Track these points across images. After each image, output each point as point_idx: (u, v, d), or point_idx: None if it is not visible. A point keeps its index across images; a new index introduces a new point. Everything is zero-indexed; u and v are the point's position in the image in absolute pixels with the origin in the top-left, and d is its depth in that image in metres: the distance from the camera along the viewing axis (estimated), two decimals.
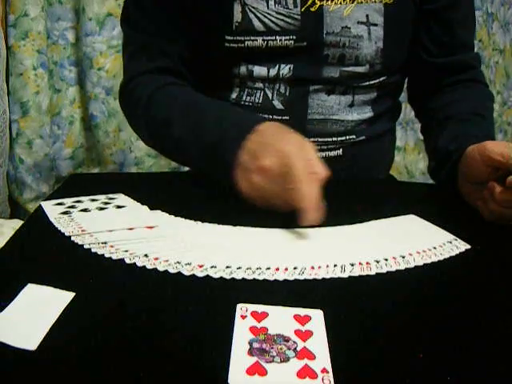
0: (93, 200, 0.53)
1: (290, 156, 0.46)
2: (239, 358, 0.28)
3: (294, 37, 0.63)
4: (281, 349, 0.29)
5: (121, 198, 0.54)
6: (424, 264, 0.41)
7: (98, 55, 1.33)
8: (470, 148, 0.55)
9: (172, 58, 0.67)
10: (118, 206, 0.51)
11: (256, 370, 0.27)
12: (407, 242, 0.45)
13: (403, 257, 0.42)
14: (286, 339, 0.30)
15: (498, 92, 1.77)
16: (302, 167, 0.45)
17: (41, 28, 1.26)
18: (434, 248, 0.44)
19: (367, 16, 0.64)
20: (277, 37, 0.63)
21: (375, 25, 0.64)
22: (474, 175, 0.54)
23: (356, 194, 0.61)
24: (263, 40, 0.63)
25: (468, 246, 0.45)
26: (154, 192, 0.58)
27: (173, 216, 0.49)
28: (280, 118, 0.67)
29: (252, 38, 0.63)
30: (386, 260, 0.41)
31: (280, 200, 0.47)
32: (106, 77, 1.34)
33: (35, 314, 0.32)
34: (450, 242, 0.46)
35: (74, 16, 1.34)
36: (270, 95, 0.67)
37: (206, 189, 0.58)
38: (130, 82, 0.69)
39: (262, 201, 0.49)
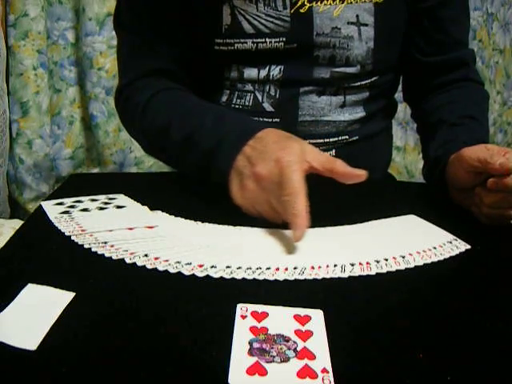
0: (93, 200, 0.53)
1: (288, 166, 0.44)
2: (239, 358, 0.28)
3: (284, 39, 0.63)
4: (281, 349, 0.29)
5: (121, 198, 0.54)
6: (424, 264, 0.41)
7: (97, 55, 1.33)
8: (451, 157, 0.55)
9: (166, 59, 0.66)
10: (118, 206, 0.51)
11: (256, 369, 0.27)
12: (407, 242, 0.45)
13: (403, 257, 0.42)
14: (286, 339, 0.30)
15: (498, 92, 1.77)
16: (299, 180, 0.44)
17: (41, 28, 1.26)
18: (434, 248, 0.44)
19: (357, 16, 0.64)
20: (266, 39, 0.63)
21: (365, 25, 0.64)
22: (459, 183, 0.54)
23: (356, 194, 0.61)
24: (253, 42, 0.63)
25: (468, 246, 0.45)
26: (153, 192, 0.58)
27: (173, 216, 0.49)
28: (270, 120, 0.67)
29: (242, 40, 0.63)
30: (386, 260, 0.41)
31: (270, 210, 0.46)
32: (106, 77, 1.35)
33: (35, 314, 0.32)
34: (450, 242, 0.46)
35: (74, 16, 1.34)
36: (260, 98, 0.67)
37: (206, 189, 0.58)
38: (126, 88, 0.68)
39: (250, 208, 0.48)
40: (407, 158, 1.69)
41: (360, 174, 0.47)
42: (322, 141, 0.68)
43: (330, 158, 0.48)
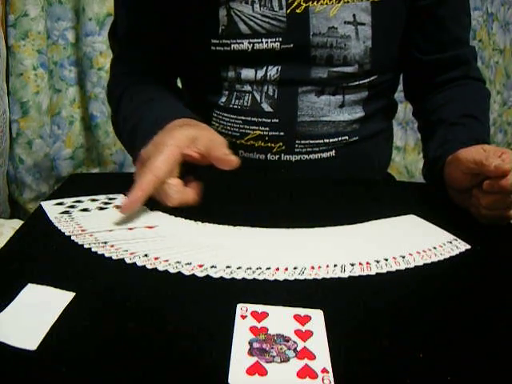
0: (93, 200, 0.53)
1: (159, 148, 0.47)
2: (239, 358, 0.28)
3: (280, 39, 0.63)
4: (281, 349, 0.29)
5: (121, 198, 0.54)
6: (424, 264, 0.41)
7: (97, 55, 1.33)
8: (449, 158, 0.55)
9: (144, 63, 0.71)
10: (118, 206, 0.51)
11: (256, 369, 0.27)
12: (407, 242, 0.45)
13: (403, 257, 0.42)
14: (286, 339, 0.30)
15: (497, 92, 1.77)
16: (161, 161, 0.46)
17: (41, 28, 1.27)
18: (434, 248, 0.44)
19: (354, 15, 0.63)
20: (263, 39, 0.63)
21: (362, 24, 0.64)
22: (457, 184, 0.54)
23: (356, 194, 0.61)
24: (249, 43, 0.63)
25: (468, 246, 0.45)
26: None
27: (173, 216, 0.49)
28: (269, 120, 0.67)
29: (238, 40, 0.63)
30: (386, 260, 0.41)
31: None
32: (106, 77, 1.34)
33: (35, 314, 0.32)
34: (450, 242, 0.46)
35: (74, 16, 1.34)
36: (258, 98, 0.67)
37: (206, 189, 0.58)
38: (108, 85, 0.75)
39: None
40: (407, 158, 1.69)
41: (230, 160, 0.49)
42: (321, 141, 0.68)
43: (215, 144, 0.50)
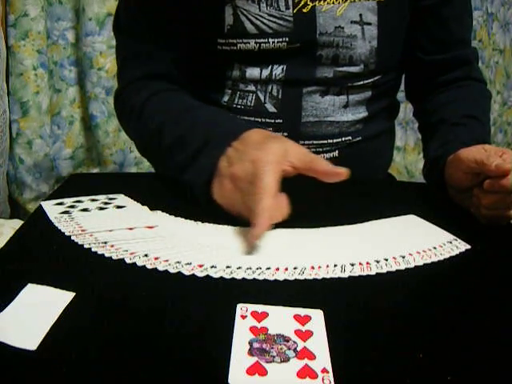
0: (93, 200, 0.53)
1: (262, 166, 0.44)
2: (239, 358, 0.28)
3: (287, 38, 0.63)
4: (281, 349, 0.29)
5: (121, 198, 0.54)
6: (424, 264, 0.41)
7: (97, 55, 1.33)
8: (450, 157, 0.56)
9: (163, 62, 0.67)
10: (118, 206, 0.51)
11: (256, 369, 0.27)
12: (407, 242, 0.45)
13: (403, 257, 0.42)
14: (286, 339, 0.30)
15: (497, 92, 1.77)
16: (270, 180, 0.43)
17: (41, 28, 1.27)
18: (434, 248, 0.44)
19: (360, 15, 0.64)
20: (269, 39, 0.63)
21: (369, 24, 0.64)
22: (457, 183, 0.54)
23: (356, 194, 0.61)
24: (256, 42, 0.63)
25: (468, 246, 0.45)
26: (153, 192, 0.58)
27: (173, 216, 0.49)
28: (273, 121, 0.67)
29: (244, 40, 0.63)
30: (386, 260, 0.41)
31: (246, 210, 0.45)
32: (106, 77, 1.35)
33: (35, 314, 0.32)
34: (450, 242, 0.46)
35: (74, 16, 1.34)
36: (262, 98, 0.66)
37: None
38: (123, 90, 0.69)
39: (230, 207, 0.48)
40: (407, 158, 1.69)
41: (340, 172, 0.47)
42: (325, 142, 0.68)
43: (311, 157, 0.48)
